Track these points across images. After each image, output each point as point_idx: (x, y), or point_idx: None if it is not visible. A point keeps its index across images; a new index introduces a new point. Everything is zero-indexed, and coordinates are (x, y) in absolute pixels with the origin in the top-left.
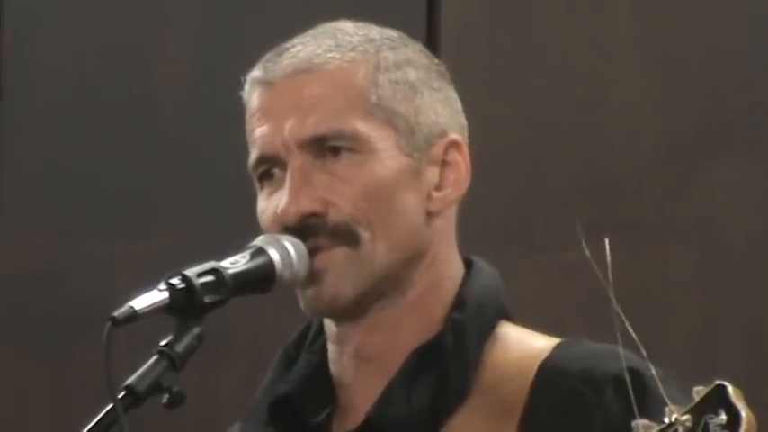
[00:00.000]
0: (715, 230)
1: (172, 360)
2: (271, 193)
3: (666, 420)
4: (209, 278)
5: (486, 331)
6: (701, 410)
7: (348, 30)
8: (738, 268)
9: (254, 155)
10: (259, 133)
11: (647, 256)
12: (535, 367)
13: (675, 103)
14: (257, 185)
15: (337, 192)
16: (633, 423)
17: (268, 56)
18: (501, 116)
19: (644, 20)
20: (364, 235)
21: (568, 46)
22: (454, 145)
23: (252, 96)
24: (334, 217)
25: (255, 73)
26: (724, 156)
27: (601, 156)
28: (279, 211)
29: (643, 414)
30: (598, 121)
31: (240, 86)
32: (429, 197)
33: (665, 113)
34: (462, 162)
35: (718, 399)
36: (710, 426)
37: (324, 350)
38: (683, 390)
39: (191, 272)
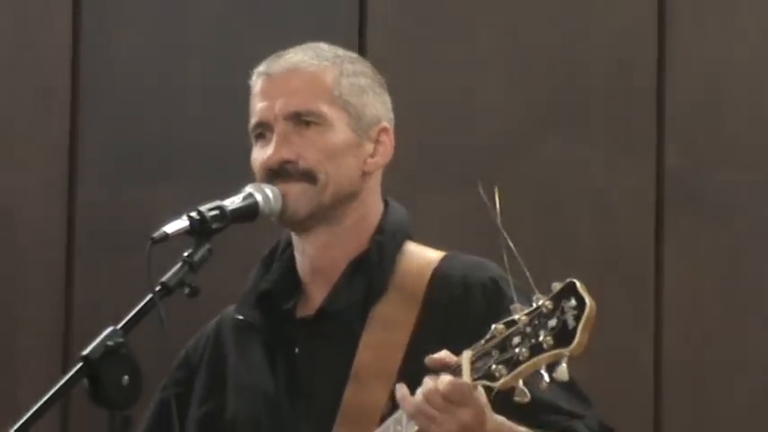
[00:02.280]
0: (548, 190)
1: (191, 265)
2: (262, 147)
3: (533, 305)
4: (216, 212)
5: (398, 248)
6: (559, 297)
7: (324, 47)
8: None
9: (253, 121)
10: (259, 107)
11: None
12: (430, 271)
13: (522, 93)
14: (253, 142)
15: (306, 149)
16: (511, 306)
17: (270, 58)
18: (409, 104)
19: (506, 38)
20: (321, 177)
21: (445, 61)
22: (384, 130)
23: (257, 82)
24: (302, 164)
25: (261, 68)
26: (555, 132)
27: (470, 128)
28: (266, 158)
29: (499, 306)
30: (472, 107)
31: (249, 76)
32: (365, 162)
33: (513, 99)
34: (388, 142)
35: (570, 290)
36: (565, 308)
37: (291, 259)
38: (526, 297)
39: (203, 208)
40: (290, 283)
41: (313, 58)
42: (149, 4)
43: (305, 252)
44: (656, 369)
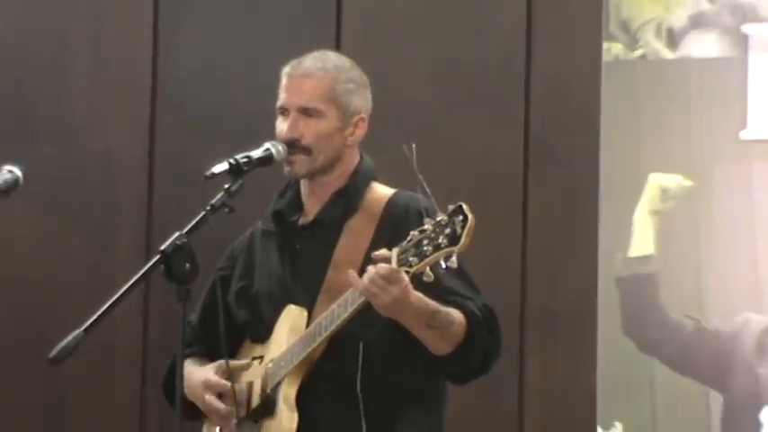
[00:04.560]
0: (450, 151)
1: (229, 193)
2: (282, 121)
3: (437, 219)
4: (245, 159)
5: (366, 185)
6: (452, 214)
7: (331, 57)
8: None
9: (278, 103)
10: (282, 96)
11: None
12: (385, 201)
13: (434, 84)
14: (278, 115)
15: (307, 132)
16: (424, 220)
17: (295, 61)
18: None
19: (428, 50)
20: (314, 152)
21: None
22: (362, 119)
23: (283, 78)
24: (304, 142)
25: (286, 69)
26: (456, 110)
27: (400, 104)
28: (282, 132)
29: (421, 222)
30: (400, 94)
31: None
32: (346, 139)
33: (430, 88)
34: (363, 126)
35: (459, 210)
36: (455, 221)
37: (297, 189)
38: (434, 214)
39: (237, 156)
40: (296, 204)
41: (320, 69)
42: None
43: (306, 187)
44: (522, 270)
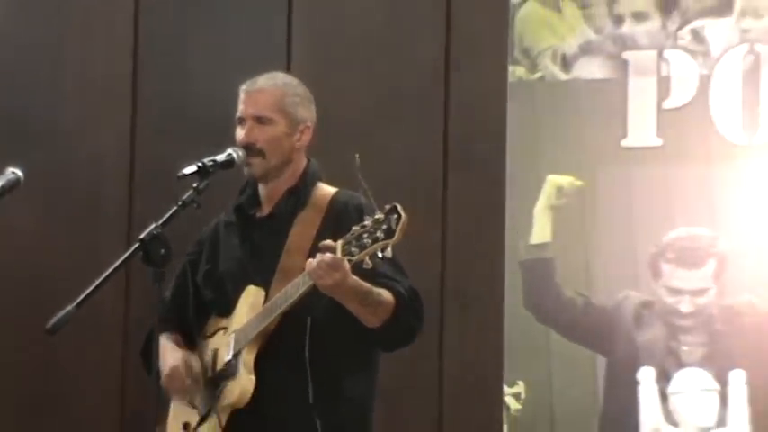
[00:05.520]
0: (378, 158)
1: (198, 191)
2: (241, 129)
3: (375, 216)
4: (211, 162)
5: (313, 184)
6: (388, 213)
7: (280, 76)
8: None
9: (237, 114)
10: (240, 108)
11: None
12: (329, 198)
13: (365, 96)
14: (237, 125)
15: (261, 138)
16: (365, 217)
17: (249, 81)
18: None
19: (360, 70)
20: (268, 154)
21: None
22: (307, 127)
23: (240, 94)
24: (258, 145)
25: (243, 86)
26: (384, 123)
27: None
28: (240, 138)
29: (361, 219)
30: (335, 103)
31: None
32: (294, 144)
33: (359, 100)
34: (309, 133)
35: (394, 209)
36: (391, 218)
37: (255, 187)
38: (373, 212)
39: (204, 160)
40: (254, 200)
41: (271, 85)
42: None
43: (264, 186)
44: (442, 256)
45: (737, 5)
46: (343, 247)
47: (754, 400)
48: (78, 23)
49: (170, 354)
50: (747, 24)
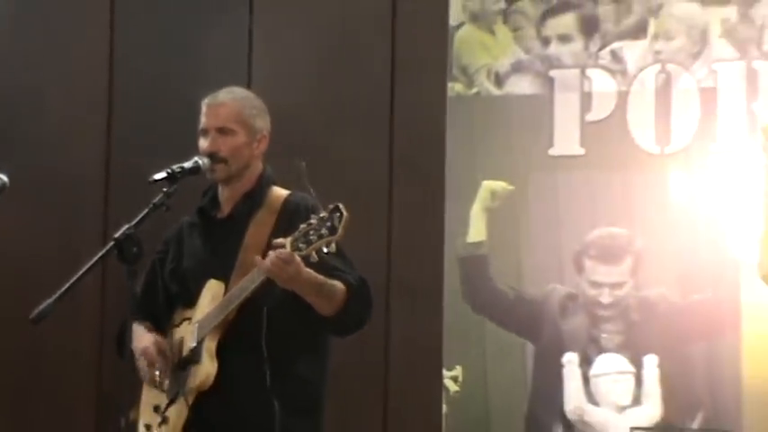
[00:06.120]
0: (331, 167)
1: (168, 195)
2: (204, 140)
3: (320, 215)
4: (179, 169)
5: (268, 187)
6: (332, 211)
7: (238, 90)
8: None
9: (201, 126)
10: (203, 120)
11: None
12: (282, 199)
13: (318, 102)
14: (200, 136)
15: (223, 146)
16: (311, 215)
17: (212, 94)
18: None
19: (318, 81)
20: (230, 162)
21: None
22: (264, 136)
23: (203, 106)
24: (221, 154)
25: (205, 100)
26: (338, 130)
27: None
28: (205, 147)
29: (309, 218)
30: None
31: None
32: (252, 151)
33: (312, 109)
34: (265, 142)
35: (337, 208)
36: (334, 217)
37: (216, 190)
38: (319, 211)
39: (173, 167)
40: (215, 202)
41: (231, 99)
42: None
43: (223, 189)
44: (388, 251)
45: (651, 29)
46: (292, 243)
47: (665, 382)
48: (56, 34)
49: (143, 335)
50: (660, 46)
